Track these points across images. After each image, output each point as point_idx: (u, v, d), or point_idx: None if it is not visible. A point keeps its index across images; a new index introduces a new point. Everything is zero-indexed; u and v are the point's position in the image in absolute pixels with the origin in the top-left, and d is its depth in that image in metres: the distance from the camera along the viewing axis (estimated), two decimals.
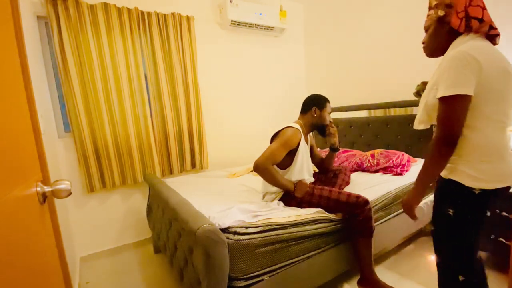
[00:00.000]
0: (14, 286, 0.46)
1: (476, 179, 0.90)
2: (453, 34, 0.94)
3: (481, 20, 0.90)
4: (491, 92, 0.86)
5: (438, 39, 0.99)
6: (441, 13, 0.95)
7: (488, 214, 0.96)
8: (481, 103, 0.87)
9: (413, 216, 1.07)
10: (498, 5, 1.77)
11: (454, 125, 0.88)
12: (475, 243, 0.98)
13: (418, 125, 1.06)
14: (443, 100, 0.88)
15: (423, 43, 1.07)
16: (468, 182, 0.91)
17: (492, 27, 0.91)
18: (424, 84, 1.18)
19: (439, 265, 1.07)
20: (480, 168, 0.90)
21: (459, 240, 0.98)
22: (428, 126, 1.05)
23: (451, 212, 0.96)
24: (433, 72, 0.99)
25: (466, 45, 0.88)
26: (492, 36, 0.92)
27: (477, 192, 0.90)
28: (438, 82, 0.91)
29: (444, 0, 0.95)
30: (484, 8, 0.91)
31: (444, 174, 0.99)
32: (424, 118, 1.02)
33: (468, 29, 0.91)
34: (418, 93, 1.22)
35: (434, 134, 0.95)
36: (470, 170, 0.90)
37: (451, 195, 0.97)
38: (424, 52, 1.08)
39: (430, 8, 1.02)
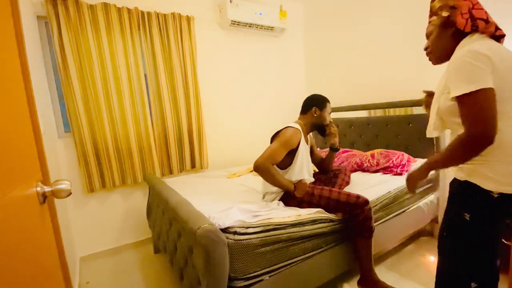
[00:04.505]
0: (14, 286, 0.46)
1: (497, 182, 0.84)
2: (458, 37, 0.92)
3: (486, 21, 0.88)
4: (507, 89, 0.82)
5: (443, 43, 0.96)
6: (445, 13, 0.92)
7: (508, 222, 0.91)
8: (499, 101, 0.81)
9: (413, 190, 1.10)
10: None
11: (488, 122, 0.79)
12: (493, 250, 0.93)
13: (431, 133, 1.02)
14: (465, 98, 0.81)
15: (425, 49, 1.04)
16: (487, 185, 0.85)
17: (497, 28, 0.89)
18: (428, 95, 1.15)
19: (445, 270, 1.01)
20: (504, 170, 0.84)
21: (475, 246, 0.92)
22: (442, 134, 1.03)
23: (467, 216, 0.90)
24: (441, 75, 0.96)
25: (474, 45, 0.84)
26: (497, 37, 0.90)
27: (495, 196, 0.84)
28: (448, 85, 0.86)
29: (448, 3, 0.92)
30: (487, 13, 0.90)
31: (460, 176, 0.94)
32: (437, 124, 0.98)
33: (475, 29, 0.88)
34: (427, 106, 1.16)
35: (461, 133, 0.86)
36: (491, 173, 0.85)
37: (468, 198, 0.91)
38: (430, 59, 1.04)
39: (431, 14, 1.00)
